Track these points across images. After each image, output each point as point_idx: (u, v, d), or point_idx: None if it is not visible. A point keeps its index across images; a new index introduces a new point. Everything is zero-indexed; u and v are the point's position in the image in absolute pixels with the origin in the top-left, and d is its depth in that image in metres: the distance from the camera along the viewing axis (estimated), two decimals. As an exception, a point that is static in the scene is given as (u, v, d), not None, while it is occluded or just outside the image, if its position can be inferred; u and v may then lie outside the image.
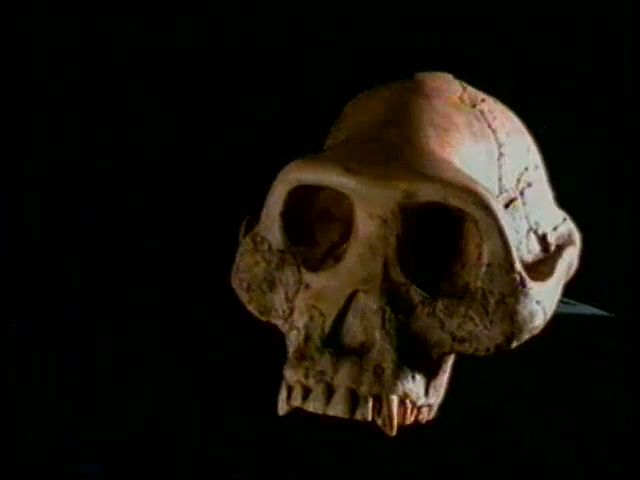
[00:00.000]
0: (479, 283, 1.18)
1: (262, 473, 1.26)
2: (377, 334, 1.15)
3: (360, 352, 1.15)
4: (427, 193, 1.15)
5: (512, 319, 1.18)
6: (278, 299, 1.20)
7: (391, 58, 1.52)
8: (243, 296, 1.21)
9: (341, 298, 1.16)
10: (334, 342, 1.15)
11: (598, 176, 1.51)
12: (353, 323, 1.16)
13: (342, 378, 1.13)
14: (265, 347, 1.27)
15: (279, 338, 1.20)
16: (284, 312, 1.20)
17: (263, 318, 1.21)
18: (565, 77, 1.54)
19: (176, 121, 1.52)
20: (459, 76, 1.28)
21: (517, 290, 1.18)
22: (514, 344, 1.19)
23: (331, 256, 1.22)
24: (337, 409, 1.13)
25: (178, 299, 1.45)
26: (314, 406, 1.13)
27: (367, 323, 1.15)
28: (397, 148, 1.18)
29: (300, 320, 1.18)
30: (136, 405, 1.32)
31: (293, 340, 1.18)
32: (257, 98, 1.52)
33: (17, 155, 1.46)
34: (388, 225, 1.17)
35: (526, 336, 1.20)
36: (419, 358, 1.17)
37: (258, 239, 1.21)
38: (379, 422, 1.13)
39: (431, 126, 1.22)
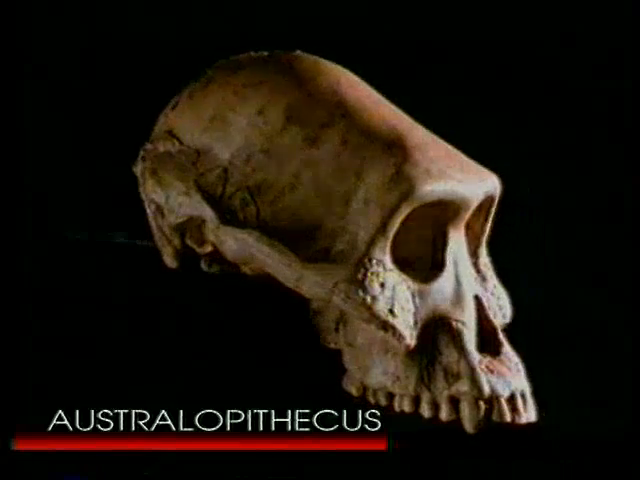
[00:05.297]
0: (487, 261, 1.28)
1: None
2: (500, 334, 1.20)
3: (499, 354, 1.19)
4: (492, 189, 1.24)
5: (506, 293, 1.28)
6: (410, 318, 1.18)
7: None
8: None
9: (470, 305, 1.20)
10: (487, 350, 1.19)
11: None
12: (485, 327, 1.20)
13: (520, 383, 1.18)
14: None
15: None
16: (413, 332, 1.18)
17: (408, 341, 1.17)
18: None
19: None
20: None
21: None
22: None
23: (417, 265, 1.22)
24: (532, 414, 1.19)
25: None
26: (526, 416, 1.18)
27: (492, 324, 1.20)
28: (448, 149, 1.23)
29: (428, 334, 1.18)
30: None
31: (438, 355, 1.17)
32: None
33: None
34: (466, 224, 1.24)
35: None
36: None
37: (374, 261, 1.17)
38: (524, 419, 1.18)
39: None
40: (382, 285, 1.17)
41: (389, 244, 1.18)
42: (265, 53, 1.31)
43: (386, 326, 1.16)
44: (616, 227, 1.51)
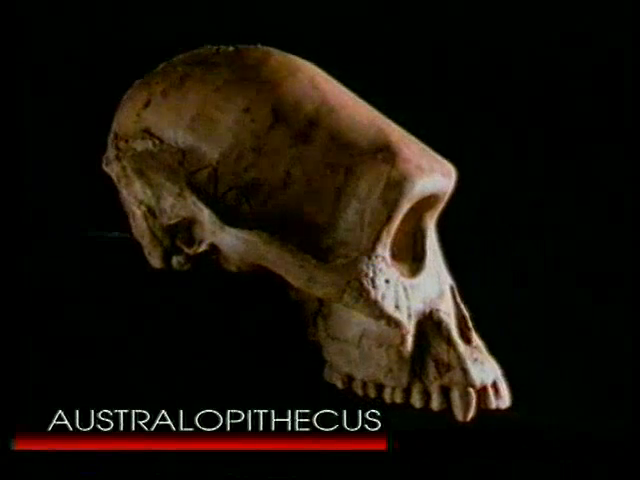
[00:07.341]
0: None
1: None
2: (469, 322, 1.23)
3: (470, 341, 1.22)
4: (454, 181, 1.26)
5: None
6: (406, 312, 1.20)
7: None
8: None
9: (448, 295, 1.23)
10: (465, 340, 1.21)
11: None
12: (457, 316, 1.23)
13: (497, 370, 1.22)
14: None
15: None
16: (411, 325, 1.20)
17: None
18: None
19: None
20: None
21: None
22: None
23: (401, 259, 1.23)
24: (506, 400, 1.22)
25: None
26: (504, 403, 1.21)
27: (463, 312, 1.23)
28: (418, 144, 1.24)
29: (418, 326, 1.20)
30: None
31: (427, 347, 1.19)
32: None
33: None
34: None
35: None
36: None
37: (379, 258, 1.18)
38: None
39: None
40: (387, 281, 1.18)
41: (390, 240, 1.19)
42: (230, 48, 1.28)
43: (396, 322, 1.18)
44: (616, 227, 1.51)
